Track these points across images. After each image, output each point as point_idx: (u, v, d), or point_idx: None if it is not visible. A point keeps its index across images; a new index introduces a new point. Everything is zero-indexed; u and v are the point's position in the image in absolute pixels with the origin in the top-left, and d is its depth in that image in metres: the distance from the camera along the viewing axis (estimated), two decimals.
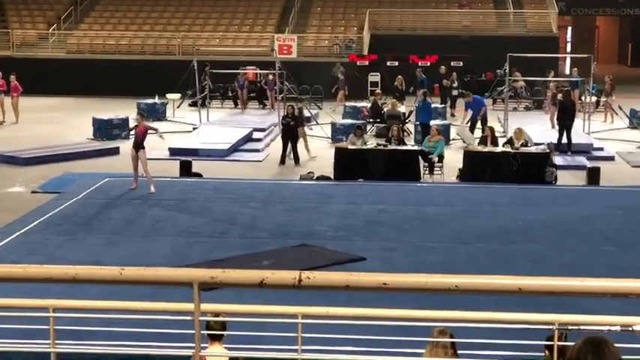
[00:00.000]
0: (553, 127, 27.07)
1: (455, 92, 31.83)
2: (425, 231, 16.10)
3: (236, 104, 33.30)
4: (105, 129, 26.55)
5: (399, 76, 30.35)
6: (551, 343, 6.35)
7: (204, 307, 4.04)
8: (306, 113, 29.18)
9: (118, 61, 37.32)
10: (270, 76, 30.81)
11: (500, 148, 21.02)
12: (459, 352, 6.54)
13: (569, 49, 50.90)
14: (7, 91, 29.57)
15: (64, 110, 32.68)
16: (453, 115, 30.44)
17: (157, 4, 42.66)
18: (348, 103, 30.81)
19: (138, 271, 3.63)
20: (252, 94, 33.43)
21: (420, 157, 21.01)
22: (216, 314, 6.66)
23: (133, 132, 19.23)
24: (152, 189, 18.64)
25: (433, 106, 28.48)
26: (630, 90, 31.36)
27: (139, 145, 18.88)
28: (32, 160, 22.69)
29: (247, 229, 16.22)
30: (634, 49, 51.43)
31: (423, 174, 21.02)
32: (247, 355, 7.41)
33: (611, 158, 23.78)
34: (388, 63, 36.32)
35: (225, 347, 7.20)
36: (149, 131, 19.15)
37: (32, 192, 19.52)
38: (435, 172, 21.16)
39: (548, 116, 28.30)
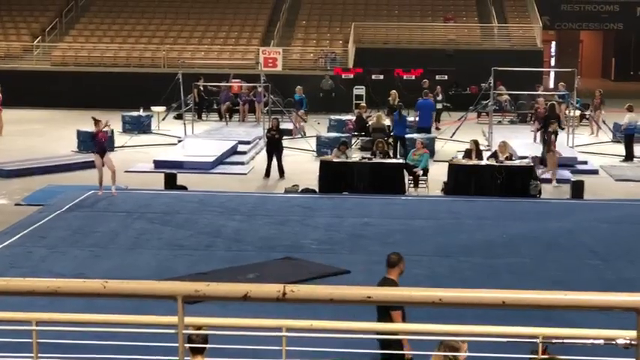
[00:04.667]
0: (535, 140, 27.15)
1: (439, 105, 31.88)
2: (409, 244, 16.11)
3: (221, 117, 33.29)
4: (89, 141, 26.41)
5: (393, 91, 29.93)
6: (536, 357, 6.37)
7: (188, 320, 4.02)
8: (290, 126, 29.24)
9: (102, 74, 37.25)
10: (260, 89, 30.78)
11: (484, 162, 21.08)
12: None
13: (553, 63, 51.13)
14: None
15: (49, 122, 32.58)
16: (437, 128, 30.47)
17: (142, 16, 42.63)
18: (333, 117, 30.80)
19: (121, 285, 3.61)
20: (236, 107, 33.38)
21: (404, 170, 21.05)
22: (199, 327, 6.63)
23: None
24: (114, 191, 19.46)
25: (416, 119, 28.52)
26: (614, 104, 31.52)
27: (104, 150, 19.67)
28: (16, 173, 22.59)
29: (232, 242, 16.20)
30: (617, 63, 51.73)
31: (408, 187, 21.05)
32: None
33: (595, 172, 23.86)
34: (373, 76, 36.39)
35: None
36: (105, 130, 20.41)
37: (16, 204, 19.42)
38: (419, 186, 21.19)
39: (532, 130, 28.29)
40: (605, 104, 30.62)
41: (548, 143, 22.49)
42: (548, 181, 21.71)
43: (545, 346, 5.64)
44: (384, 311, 8.45)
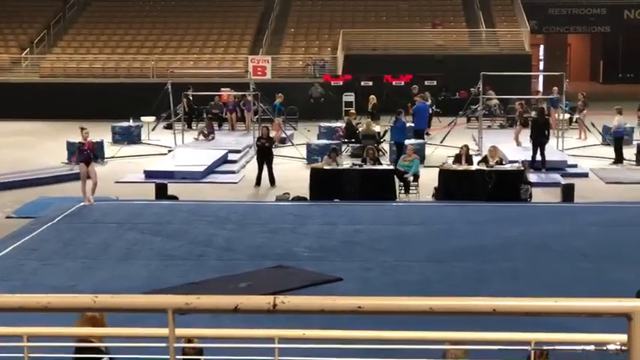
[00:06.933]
0: (518, 144, 27.18)
1: (429, 111, 31.92)
2: (401, 250, 16.13)
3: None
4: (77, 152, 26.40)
5: (372, 96, 30.18)
6: None
7: (179, 332, 4.01)
8: (281, 134, 29.27)
9: (91, 85, 37.20)
10: (249, 97, 30.79)
11: (475, 167, 21.11)
12: None
13: (541, 66, 51.25)
14: None
15: (38, 134, 32.51)
16: (428, 133, 30.50)
17: (130, 27, 42.60)
18: (323, 124, 30.82)
19: (111, 299, 3.60)
20: (225, 116, 33.31)
21: (395, 176, 21.06)
22: (190, 340, 6.62)
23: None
24: (92, 200, 19.52)
25: (408, 125, 28.57)
26: (602, 107, 31.62)
27: (90, 160, 19.64)
28: (6, 185, 22.54)
29: (224, 251, 16.18)
30: (605, 66, 51.90)
31: (399, 193, 21.06)
32: None
33: (584, 175, 23.91)
34: (362, 83, 36.44)
35: None
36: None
37: (6, 217, 19.37)
38: (410, 192, 21.20)
39: (520, 134, 28.27)
40: (588, 106, 30.71)
41: None
42: None
43: (540, 352, 5.64)
44: None
